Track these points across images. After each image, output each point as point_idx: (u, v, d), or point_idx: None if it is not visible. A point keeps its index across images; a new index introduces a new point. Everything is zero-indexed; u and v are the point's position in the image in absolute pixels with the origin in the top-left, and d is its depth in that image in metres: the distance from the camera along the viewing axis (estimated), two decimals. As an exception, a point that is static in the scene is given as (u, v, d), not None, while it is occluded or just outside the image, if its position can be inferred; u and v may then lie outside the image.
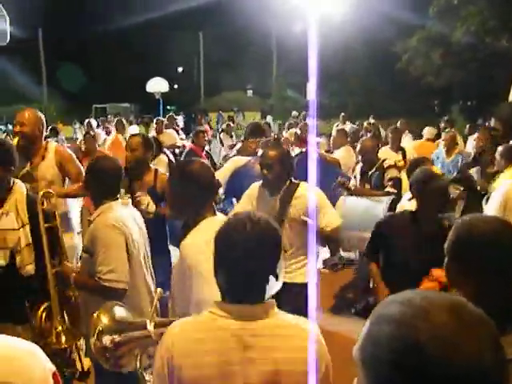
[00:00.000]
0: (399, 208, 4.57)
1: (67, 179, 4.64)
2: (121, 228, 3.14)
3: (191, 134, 10.05)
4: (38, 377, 1.33)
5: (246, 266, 1.77)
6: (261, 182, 4.04)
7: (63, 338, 3.30)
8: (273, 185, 3.94)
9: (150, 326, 2.20)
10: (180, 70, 43.97)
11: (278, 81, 35.95)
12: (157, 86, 25.43)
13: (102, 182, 3.28)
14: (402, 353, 0.92)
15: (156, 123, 10.22)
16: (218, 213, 2.75)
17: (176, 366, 1.75)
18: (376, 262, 3.62)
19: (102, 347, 2.14)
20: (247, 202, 4.05)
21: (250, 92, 39.12)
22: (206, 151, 7.65)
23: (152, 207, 4.26)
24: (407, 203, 4.09)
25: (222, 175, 5.19)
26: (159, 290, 2.55)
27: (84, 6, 36.54)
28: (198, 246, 2.43)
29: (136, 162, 4.57)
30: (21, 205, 3.32)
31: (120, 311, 2.31)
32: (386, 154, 6.85)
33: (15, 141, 4.40)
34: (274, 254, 1.84)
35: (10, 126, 24.27)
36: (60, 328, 3.30)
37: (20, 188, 3.40)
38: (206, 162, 2.90)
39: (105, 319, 2.26)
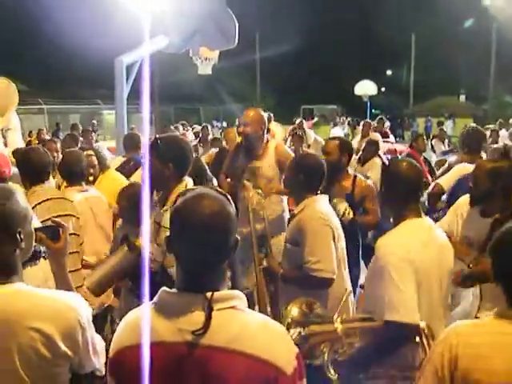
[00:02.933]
0: None
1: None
2: (327, 220, 3.22)
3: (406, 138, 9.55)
4: (287, 357, 1.49)
5: None
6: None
7: None
8: (485, 203, 3.16)
9: (337, 322, 2.37)
10: (389, 72, 43.24)
11: (496, 85, 33.34)
12: (365, 88, 25.27)
13: (303, 178, 3.35)
14: None
15: (363, 125, 9.96)
16: (423, 216, 2.63)
17: (461, 368, 1.76)
18: None
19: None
20: (453, 216, 3.43)
21: (462, 97, 36.96)
22: (425, 157, 7.19)
23: (350, 213, 4.15)
24: None
25: (445, 183, 4.80)
26: (349, 289, 2.76)
27: (297, 14, 37.78)
28: (392, 247, 2.45)
29: (331, 166, 4.44)
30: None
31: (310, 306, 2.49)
32: None
33: (239, 140, 4.56)
34: None
35: (225, 124, 26.03)
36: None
37: (186, 184, 3.15)
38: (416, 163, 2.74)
39: (295, 312, 2.44)
